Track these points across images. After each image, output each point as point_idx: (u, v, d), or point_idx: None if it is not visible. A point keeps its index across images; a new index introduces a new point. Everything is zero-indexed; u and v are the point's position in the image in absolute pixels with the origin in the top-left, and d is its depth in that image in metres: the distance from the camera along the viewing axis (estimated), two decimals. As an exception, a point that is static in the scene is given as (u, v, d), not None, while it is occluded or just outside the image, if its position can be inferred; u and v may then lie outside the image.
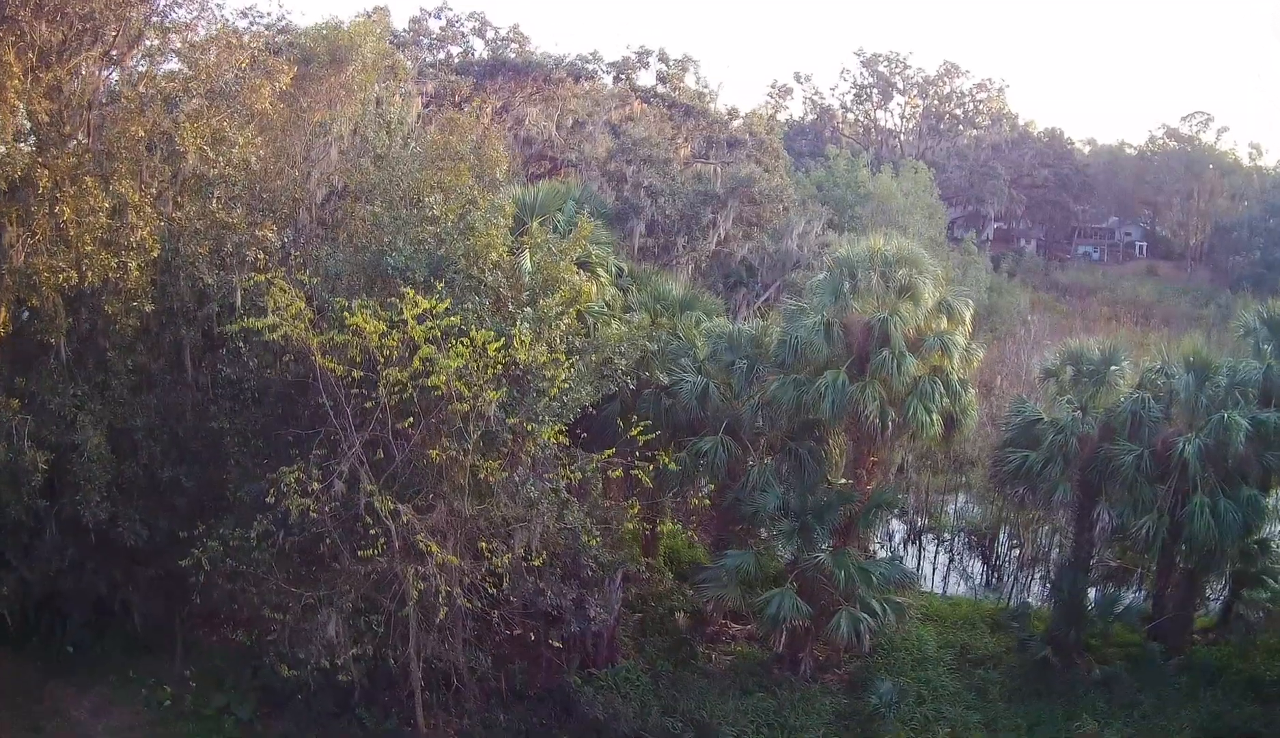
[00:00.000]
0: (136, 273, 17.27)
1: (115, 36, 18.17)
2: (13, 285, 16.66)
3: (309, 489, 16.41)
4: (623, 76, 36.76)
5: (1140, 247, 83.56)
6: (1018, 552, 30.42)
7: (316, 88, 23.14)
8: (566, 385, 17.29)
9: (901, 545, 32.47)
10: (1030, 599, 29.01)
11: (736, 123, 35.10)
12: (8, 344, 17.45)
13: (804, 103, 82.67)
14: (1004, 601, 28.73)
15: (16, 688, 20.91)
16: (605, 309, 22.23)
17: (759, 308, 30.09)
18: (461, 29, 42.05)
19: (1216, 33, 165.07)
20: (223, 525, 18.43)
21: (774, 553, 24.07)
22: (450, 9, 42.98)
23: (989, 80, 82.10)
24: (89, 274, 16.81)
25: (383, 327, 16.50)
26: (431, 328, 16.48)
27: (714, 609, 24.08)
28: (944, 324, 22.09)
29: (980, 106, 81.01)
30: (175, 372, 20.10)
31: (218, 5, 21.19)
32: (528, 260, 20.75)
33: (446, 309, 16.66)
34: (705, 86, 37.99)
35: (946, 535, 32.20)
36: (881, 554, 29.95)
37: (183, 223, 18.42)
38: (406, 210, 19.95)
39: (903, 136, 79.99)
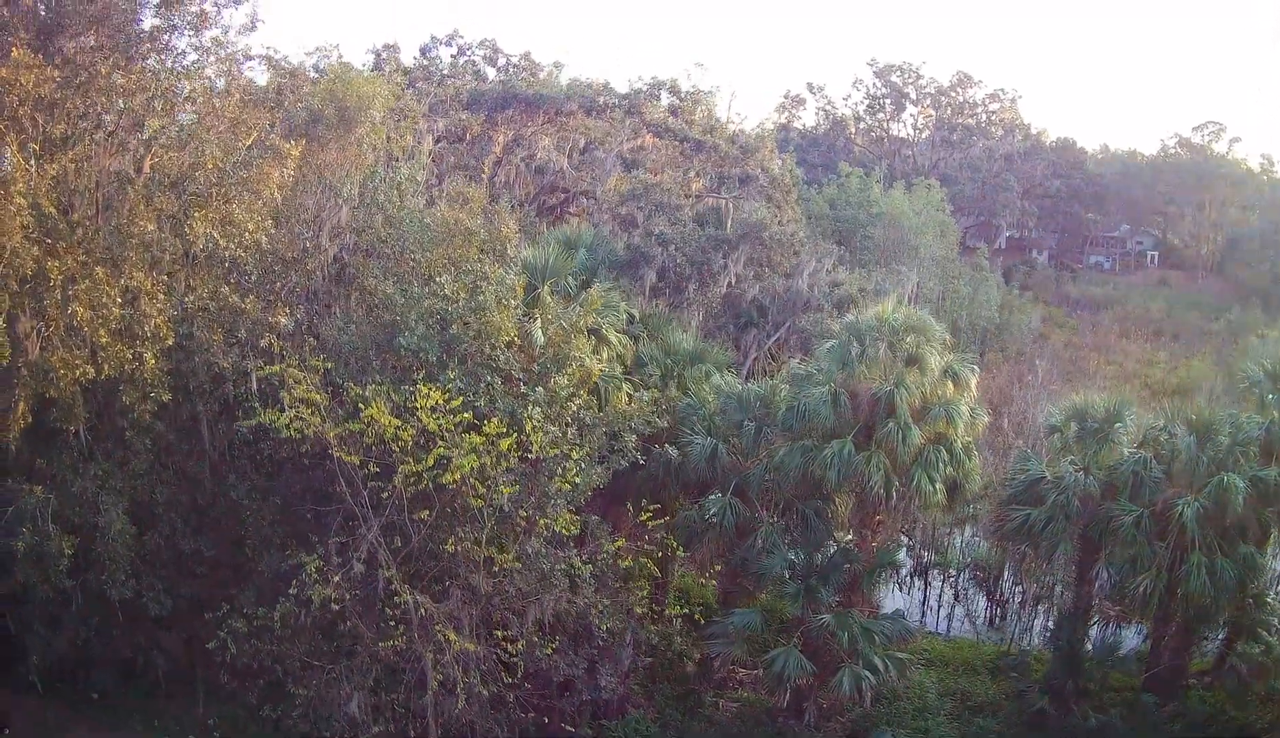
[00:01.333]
0: (152, 362, 17.66)
1: (117, 123, 18.41)
2: (29, 377, 17.03)
3: (329, 578, 16.98)
4: (634, 112, 36.85)
5: (1152, 256, 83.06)
6: (1021, 588, 30.83)
7: (324, 147, 23.36)
8: (577, 479, 17.74)
9: (908, 578, 33.02)
10: (1032, 636, 29.57)
11: (750, 160, 35.14)
12: (28, 428, 17.91)
13: (817, 113, 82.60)
14: (1007, 642, 29.22)
15: (41, 733, 21.64)
16: (615, 374, 22.61)
17: (770, 348, 30.42)
18: (472, 57, 42.05)
19: (1231, 42, 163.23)
20: (244, 597, 19.11)
21: (781, 602, 24.61)
22: (461, 36, 43.18)
23: (1001, 90, 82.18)
24: (105, 366, 17.21)
25: (397, 422, 16.97)
26: (445, 422, 16.93)
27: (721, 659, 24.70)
28: (949, 390, 22.40)
29: (993, 117, 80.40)
30: (192, 440, 20.65)
31: (222, 74, 21.05)
32: (539, 333, 21.18)
33: (460, 405, 17.07)
34: (716, 120, 37.96)
35: (952, 571, 32.69)
36: (887, 597, 30.50)
37: (195, 306, 18.78)
38: (419, 286, 20.35)
39: (916, 147, 79.53)
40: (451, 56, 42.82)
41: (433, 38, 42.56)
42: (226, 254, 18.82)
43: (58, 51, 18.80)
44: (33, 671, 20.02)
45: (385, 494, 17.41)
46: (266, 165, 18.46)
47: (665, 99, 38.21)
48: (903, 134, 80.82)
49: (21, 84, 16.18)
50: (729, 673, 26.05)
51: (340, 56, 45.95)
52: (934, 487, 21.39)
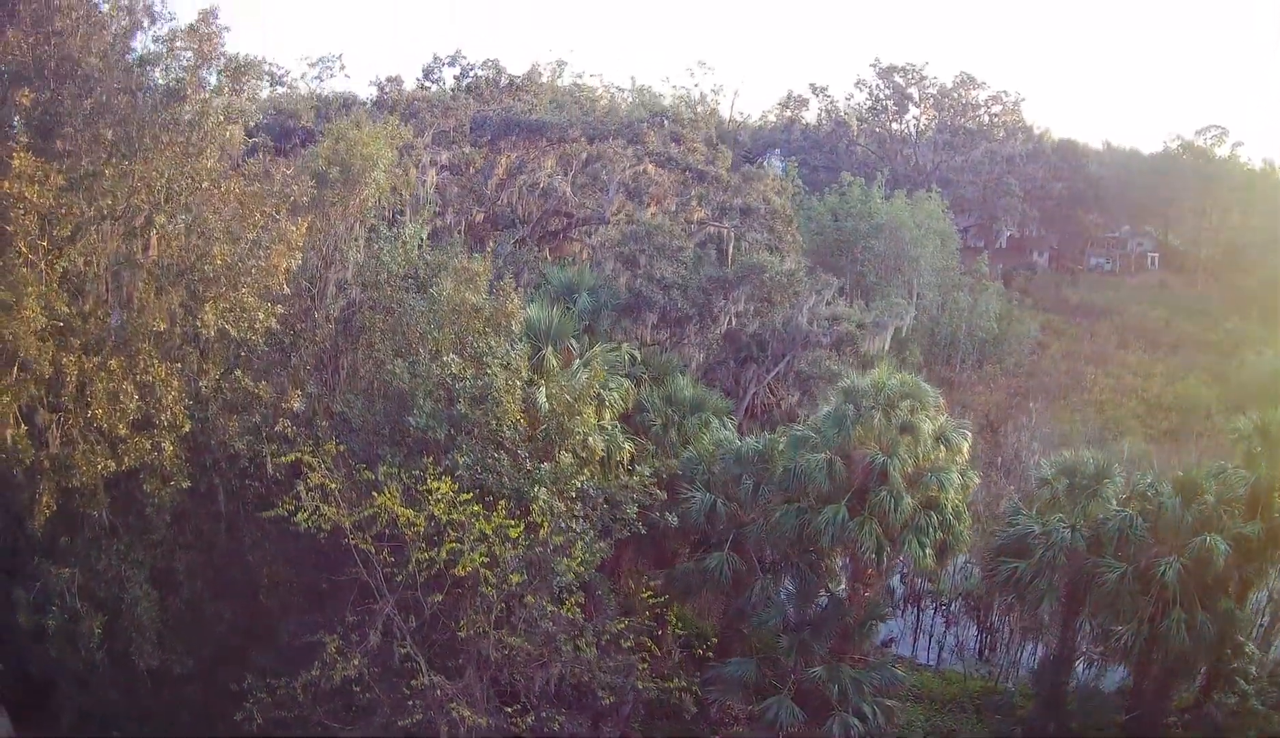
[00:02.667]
0: (170, 450, 18.30)
1: (121, 214, 18.64)
2: (52, 470, 17.65)
3: (349, 657, 17.85)
4: (637, 140, 36.95)
5: (1152, 258, 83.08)
6: (1009, 623, 31.75)
7: (330, 208, 23.50)
8: (581, 567, 18.51)
9: (901, 603, 33.95)
10: (1020, 669, 30.56)
11: (751, 189, 35.42)
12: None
13: (819, 114, 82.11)
14: (995, 676, 30.24)
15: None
16: (616, 436, 23.28)
17: (769, 383, 31.07)
18: (476, 78, 41.90)
19: (1235, 41, 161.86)
20: (264, 659, 20.06)
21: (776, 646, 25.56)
22: (465, 57, 43.04)
23: (1004, 92, 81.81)
24: (125, 458, 17.86)
25: (410, 512, 17.70)
26: (456, 515, 17.68)
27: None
28: (942, 455, 23.05)
29: (995, 119, 79.88)
30: (209, 504, 21.38)
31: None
32: (543, 396, 21.81)
33: (470, 497, 17.78)
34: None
35: (944, 599, 33.59)
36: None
37: (209, 390, 19.29)
38: (426, 358, 20.92)
39: (918, 149, 79.07)
40: (455, 77, 42.90)
41: (435, 58, 42.65)
42: (237, 337, 19.32)
43: (60, 137, 18.92)
44: (63, 728, 21.05)
45: (399, 577, 18.21)
46: (275, 255, 18.84)
47: (669, 127, 38.39)
48: (905, 134, 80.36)
49: (26, 197, 16.50)
50: (725, 710, 27.17)
51: (343, 67, 46.17)
52: (924, 552, 22.17)
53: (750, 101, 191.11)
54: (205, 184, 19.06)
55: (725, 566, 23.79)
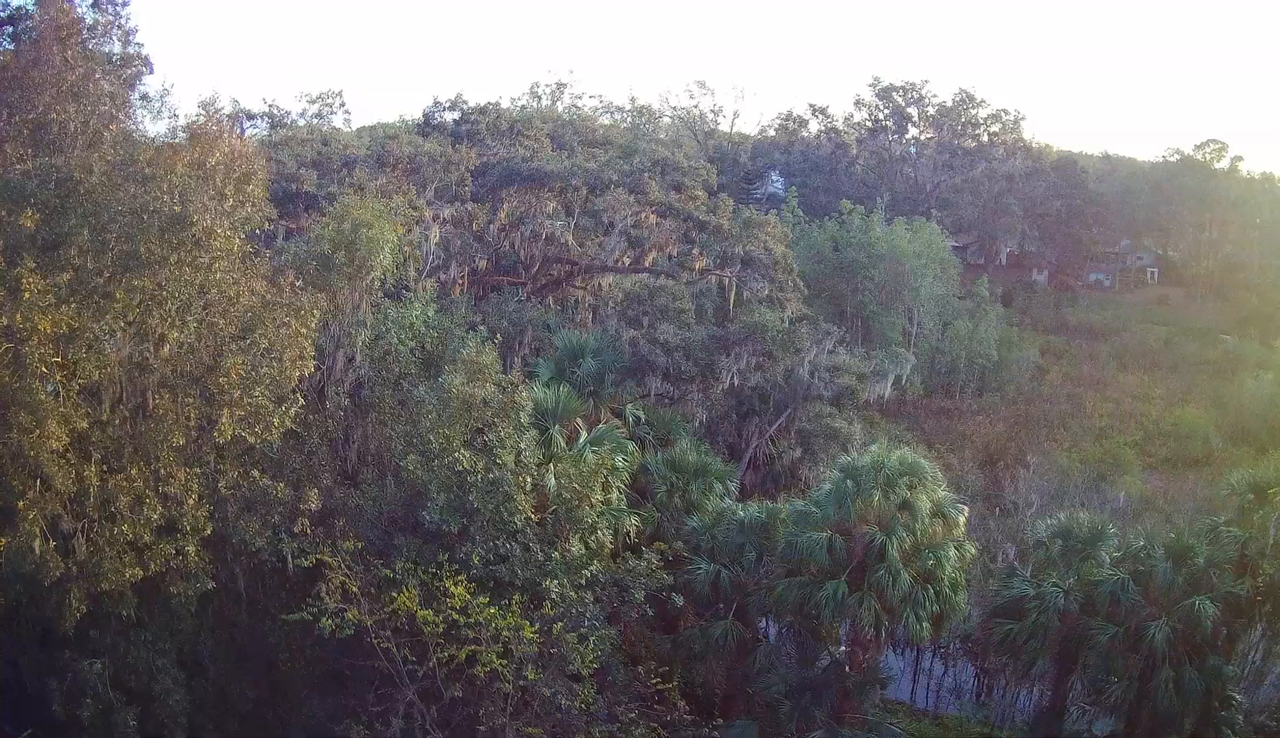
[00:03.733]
0: (194, 553, 18.98)
1: (132, 323, 19.16)
2: (79, 576, 18.25)
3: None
4: (638, 189, 37.41)
5: (1152, 272, 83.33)
6: (1005, 674, 32.43)
7: (337, 292, 23.95)
8: (595, 664, 19.30)
9: (900, 644, 34.65)
10: (1017, 715, 31.39)
11: (752, 237, 35.94)
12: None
13: (819, 134, 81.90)
14: (992, 721, 31.08)
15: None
16: (622, 508, 24.04)
17: (771, 437, 31.78)
18: (475, 124, 42.39)
19: (1237, 52, 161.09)
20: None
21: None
22: (465, 102, 43.39)
23: (1004, 111, 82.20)
24: (151, 564, 18.54)
25: (428, 613, 18.47)
26: (474, 616, 18.47)
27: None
28: (940, 529, 23.76)
29: (994, 138, 79.88)
30: (231, 592, 22.13)
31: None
32: (552, 479, 22.52)
33: (486, 603, 18.56)
34: (718, 197, 38.71)
35: (942, 641, 34.31)
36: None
37: (227, 491, 19.86)
38: (437, 444, 21.60)
39: (918, 167, 79.11)
40: (454, 122, 43.16)
41: (436, 102, 43.03)
42: (253, 439, 19.92)
43: (67, 248, 19.31)
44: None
45: (420, 672, 19.01)
46: (289, 360, 19.41)
47: (670, 175, 38.92)
48: (905, 153, 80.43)
49: (40, 329, 17.07)
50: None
51: (343, 104, 46.71)
52: (921, 625, 22.91)
53: (750, 112, 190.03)
54: (213, 293, 19.60)
55: (729, 634, 24.57)
